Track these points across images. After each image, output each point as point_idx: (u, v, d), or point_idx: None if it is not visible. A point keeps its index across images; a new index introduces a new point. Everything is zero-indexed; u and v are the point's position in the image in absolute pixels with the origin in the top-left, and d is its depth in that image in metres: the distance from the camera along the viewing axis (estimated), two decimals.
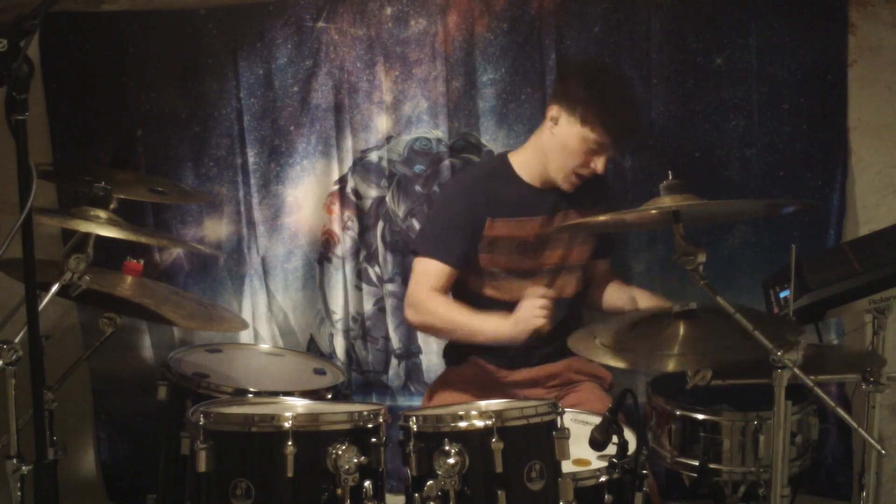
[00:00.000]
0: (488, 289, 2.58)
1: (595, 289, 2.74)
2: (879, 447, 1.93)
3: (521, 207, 2.55)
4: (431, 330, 2.63)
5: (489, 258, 2.56)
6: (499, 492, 1.84)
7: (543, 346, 2.56)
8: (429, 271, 2.53)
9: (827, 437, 2.80)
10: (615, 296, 2.70)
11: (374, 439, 1.90)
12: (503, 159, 2.63)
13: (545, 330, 2.36)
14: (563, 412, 1.95)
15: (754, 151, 2.78)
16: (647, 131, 2.71)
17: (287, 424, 1.82)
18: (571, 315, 2.66)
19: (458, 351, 2.69)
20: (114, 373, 3.02)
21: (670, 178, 1.99)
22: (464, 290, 2.59)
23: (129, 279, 2.41)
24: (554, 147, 2.49)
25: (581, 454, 2.08)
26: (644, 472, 2.01)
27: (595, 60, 2.73)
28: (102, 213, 2.14)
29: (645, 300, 2.59)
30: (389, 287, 2.95)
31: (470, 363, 2.64)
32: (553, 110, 2.49)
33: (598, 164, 2.46)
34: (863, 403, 2.21)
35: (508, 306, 2.47)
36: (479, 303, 2.55)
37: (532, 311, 2.34)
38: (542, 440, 1.90)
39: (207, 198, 2.91)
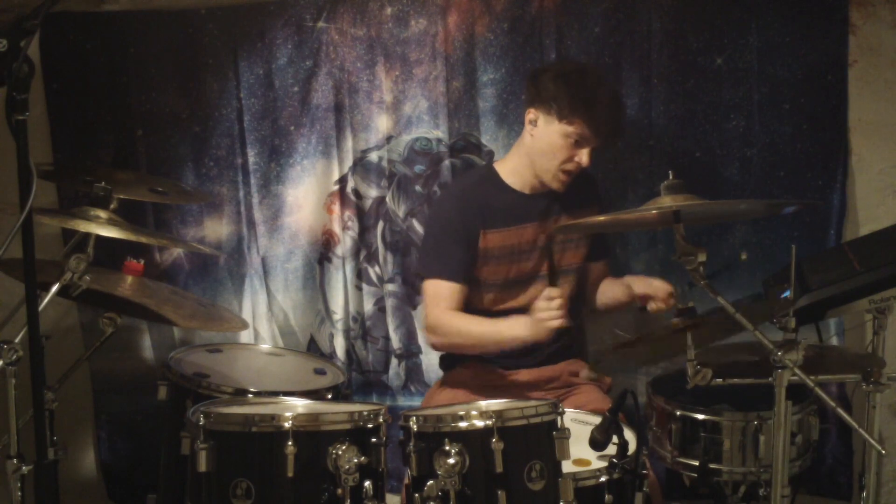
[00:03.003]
0: (488, 301, 2.58)
1: (590, 290, 2.73)
2: (880, 447, 1.93)
3: (513, 216, 2.54)
4: (455, 348, 2.60)
5: (485, 270, 2.55)
6: (499, 492, 1.84)
7: (541, 350, 2.55)
8: (439, 293, 2.52)
9: (827, 437, 2.79)
10: (608, 289, 2.67)
11: (374, 439, 1.90)
12: (490, 169, 2.63)
13: (563, 326, 2.34)
14: (564, 412, 1.95)
15: (755, 151, 2.77)
16: (625, 117, 2.63)
17: (287, 424, 1.82)
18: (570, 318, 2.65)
19: (453, 358, 2.68)
20: (114, 373, 3.02)
21: (670, 178, 1.99)
22: (466, 304, 2.56)
23: (130, 279, 2.41)
24: (537, 149, 2.48)
25: (581, 454, 2.08)
26: (645, 471, 2.01)
27: (563, 61, 2.72)
28: (103, 213, 2.14)
29: (640, 285, 2.51)
30: (390, 287, 2.94)
31: (467, 367, 2.63)
32: (530, 114, 2.48)
33: (583, 156, 2.44)
34: (863, 403, 2.22)
35: (510, 315, 2.46)
36: (482, 315, 2.54)
37: (548, 312, 2.32)
38: (543, 440, 1.90)
39: (207, 198, 2.90)
